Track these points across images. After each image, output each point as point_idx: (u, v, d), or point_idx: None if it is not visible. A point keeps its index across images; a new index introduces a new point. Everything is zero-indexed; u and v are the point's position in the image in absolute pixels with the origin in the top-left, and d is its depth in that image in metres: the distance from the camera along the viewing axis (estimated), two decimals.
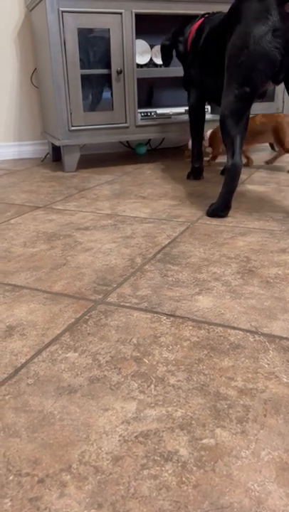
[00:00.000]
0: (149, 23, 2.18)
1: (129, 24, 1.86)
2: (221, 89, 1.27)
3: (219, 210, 1.27)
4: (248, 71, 1.13)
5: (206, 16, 1.56)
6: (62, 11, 1.75)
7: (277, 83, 1.19)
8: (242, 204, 1.40)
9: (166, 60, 1.74)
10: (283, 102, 2.23)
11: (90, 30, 1.86)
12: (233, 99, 1.18)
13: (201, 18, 1.59)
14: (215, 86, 1.49)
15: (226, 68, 1.20)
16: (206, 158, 2.15)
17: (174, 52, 1.74)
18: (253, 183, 1.67)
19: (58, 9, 1.75)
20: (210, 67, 1.48)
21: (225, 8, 1.49)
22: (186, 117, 2.12)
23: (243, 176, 1.78)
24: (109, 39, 1.86)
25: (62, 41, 1.79)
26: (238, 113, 1.19)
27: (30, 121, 2.41)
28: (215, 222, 1.24)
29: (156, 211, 1.36)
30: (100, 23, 1.83)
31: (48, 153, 2.40)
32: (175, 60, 2.20)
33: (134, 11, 1.85)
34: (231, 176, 1.23)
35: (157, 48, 2.14)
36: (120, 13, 1.83)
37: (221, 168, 1.97)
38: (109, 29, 1.85)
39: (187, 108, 2.10)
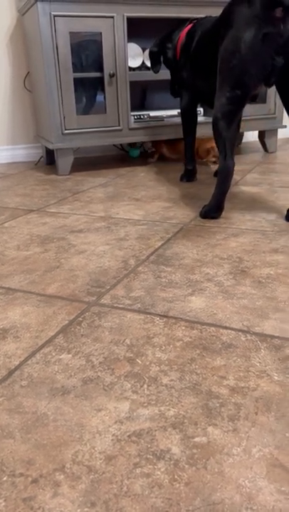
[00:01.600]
0: (141, 26, 2.19)
1: (121, 28, 1.87)
2: (213, 92, 1.28)
3: (212, 211, 1.28)
4: (240, 74, 1.14)
5: (195, 21, 1.58)
6: (54, 15, 1.76)
7: (269, 86, 1.20)
8: (235, 205, 1.41)
9: (155, 67, 1.76)
10: (275, 104, 2.25)
11: (82, 34, 1.87)
12: (225, 102, 1.19)
13: (190, 23, 1.60)
14: (207, 89, 1.50)
15: (218, 71, 1.21)
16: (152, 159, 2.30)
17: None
18: (246, 184, 1.69)
19: (50, 13, 1.76)
20: (202, 70, 1.50)
21: (216, 12, 1.50)
22: (179, 120, 2.13)
23: (236, 177, 1.79)
24: (101, 43, 1.87)
25: (54, 45, 1.80)
26: (230, 115, 1.20)
27: (23, 125, 2.42)
28: (208, 223, 1.25)
29: (150, 213, 1.37)
30: (91, 27, 1.84)
31: (41, 157, 2.40)
32: None
33: (125, 14, 1.86)
34: (223, 177, 1.24)
35: None
36: (112, 17, 1.85)
37: (214, 169, 1.98)
38: (101, 33, 1.86)
39: (180, 111, 2.12)
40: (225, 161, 1.22)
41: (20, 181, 1.93)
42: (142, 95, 2.42)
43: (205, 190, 1.64)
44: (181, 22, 1.67)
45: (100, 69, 1.92)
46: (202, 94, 1.59)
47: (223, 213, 1.32)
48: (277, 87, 1.21)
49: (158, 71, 1.77)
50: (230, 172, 1.23)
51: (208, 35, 1.43)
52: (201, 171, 1.97)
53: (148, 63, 2.16)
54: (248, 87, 1.16)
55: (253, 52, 1.10)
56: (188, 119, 1.72)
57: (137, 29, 2.16)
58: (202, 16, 1.67)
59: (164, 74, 2.07)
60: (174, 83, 1.73)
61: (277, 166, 2.02)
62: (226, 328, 0.72)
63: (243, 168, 1.98)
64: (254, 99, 1.56)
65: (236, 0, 1.15)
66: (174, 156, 2.25)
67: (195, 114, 1.71)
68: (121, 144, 2.55)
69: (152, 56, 1.73)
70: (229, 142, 1.22)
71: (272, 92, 2.21)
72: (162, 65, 1.83)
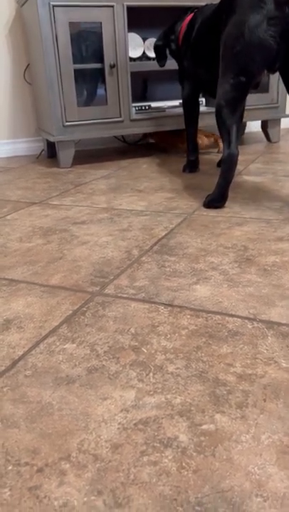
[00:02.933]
0: (142, 15, 2.17)
1: (121, 17, 1.85)
2: (215, 82, 1.26)
3: (216, 200, 1.26)
4: (244, 60, 1.12)
5: (196, 10, 1.56)
6: (54, 5, 1.74)
7: (273, 72, 1.18)
8: (239, 194, 1.40)
9: (161, 61, 1.75)
10: (278, 93, 2.22)
11: (82, 24, 1.85)
12: (228, 89, 1.17)
13: (191, 13, 1.58)
14: (208, 78, 1.48)
15: (221, 58, 1.19)
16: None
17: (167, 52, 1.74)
18: (250, 173, 1.67)
19: (49, 3, 1.73)
20: (203, 59, 1.48)
21: (217, 0, 1.48)
22: (180, 110, 2.12)
23: (239, 167, 1.77)
24: (101, 33, 1.85)
25: (54, 36, 1.78)
26: (234, 103, 1.18)
27: (23, 118, 2.40)
28: (212, 213, 1.24)
29: (153, 204, 1.36)
30: (91, 17, 1.81)
31: (42, 150, 2.39)
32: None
33: (125, 3, 1.83)
34: (228, 166, 1.22)
35: (150, 40, 2.13)
36: (112, 6, 1.82)
37: (217, 159, 1.97)
38: (101, 23, 1.83)
39: (181, 101, 2.10)
40: (229, 149, 1.20)
41: (21, 175, 1.91)
42: (143, 86, 2.40)
43: (208, 180, 1.62)
44: (183, 11, 1.64)
45: (101, 60, 1.90)
46: (204, 83, 1.57)
47: (227, 203, 1.30)
48: (281, 73, 1.19)
49: (164, 65, 1.76)
50: (235, 161, 1.21)
51: (208, 22, 1.41)
52: (203, 161, 1.96)
53: (149, 53, 2.14)
54: (253, 73, 1.14)
55: (257, 37, 1.08)
56: (190, 109, 1.70)
57: (137, 19, 2.14)
58: (203, 3, 1.64)
59: (167, 64, 2.05)
60: (181, 74, 1.72)
61: (280, 155, 2.00)
62: (231, 316, 0.71)
63: (246, 158, 1.96)
64: (256, 87, 1.54)
65: None
66: (165, 144, 2.29)
67: (197, 104, 1.69)
68: (122, 136, 2.53)
69: (157, 50, 1.72)
70: (233, 130, 1.20)
71: (274, 81, 2.19)
72: (165, 62, 1.80)
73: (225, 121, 1.19)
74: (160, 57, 1.74)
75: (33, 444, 0.48)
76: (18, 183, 1.75)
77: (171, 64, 2.03)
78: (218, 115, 1.20)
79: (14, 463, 0.46)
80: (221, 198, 1.26)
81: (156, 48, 1.72)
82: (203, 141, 2.08)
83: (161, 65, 1.76)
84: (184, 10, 1.65)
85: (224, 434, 0.48)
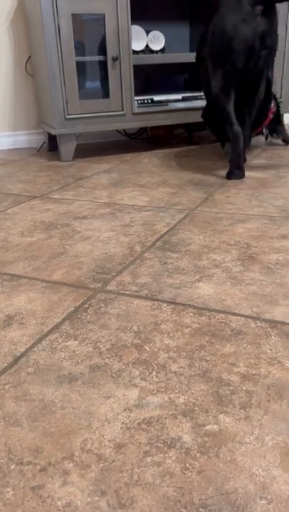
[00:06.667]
0: (145, 8, 2.14)
1: (125, 9, 1.83)
2: None
3: (232, 172, 1.49)
4: (228, 52, 1.36)
5: None
6: None
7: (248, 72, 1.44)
8: (241, 191, 1.39)
9: None
10: (281, 88, 2.21)
11: (85, 16, 1.82)
12: (219, 78, 1.41)
13: None
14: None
15: (208, 55, 1.42)
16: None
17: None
18: (253, 169, 1.66)
19: None
20: None
21: None
22: (182, 104, 2.10)
23: None
24: (104, 25, 1.83)
25: (56, 27, 1.76)
26: (227, 89, 1.42)
27: (25, 111, 2.38)
28: (214, 209, 1.23)
29: (155, 199, 1.35)
30: (94, 8, 1.79)
31: (44, 143, 2.37)
32: (170, 46, 2.17)
33: None
34: (235, 142, 1.44)
35: (153, 33, 2.11)
36: None
37: (217, 154, 1.96)
38: (104, 14, 1.81)
39: (185, 95, 2.08)
40: (232, 129, 1.42)
41: (22, 168, 1.90)
42: (145, 79, 2.38)
43: (211, 176, 1.61)
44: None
45: (103, 52, 1.88)
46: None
47: (230, 199, 1.30)
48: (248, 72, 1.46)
49: None
50: (239, 137, 1.43)
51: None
52: (205, 157, 1.95)
53: (152, 46, 2.12)
54: (235, 61, 1.36)
55: (237, 32, 1.31)
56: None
57: (140, 11, 2.11)
58: None
59: (169, 57, 2.03)
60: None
61: (283, 151, 1.99)
62: (235, 314, 0.71)
63: (248, 154, 1.94)
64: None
65: None
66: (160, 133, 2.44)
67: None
68: (124, 130, 2.51)
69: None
70: (232, 112, 1.42)
71: (278, 76, 2.17)
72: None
73: (224, 106, 1.41)
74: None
75: (36, 442, 0.48)
76: (19, 176, 1.73)
77: (174, 57, 2.01)
78: (217, 103, 1.43)
79: (17, 462, 0.46)
80: (238, 170, 1.46)
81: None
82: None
83: None
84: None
85: (228, 434, 0.48)
